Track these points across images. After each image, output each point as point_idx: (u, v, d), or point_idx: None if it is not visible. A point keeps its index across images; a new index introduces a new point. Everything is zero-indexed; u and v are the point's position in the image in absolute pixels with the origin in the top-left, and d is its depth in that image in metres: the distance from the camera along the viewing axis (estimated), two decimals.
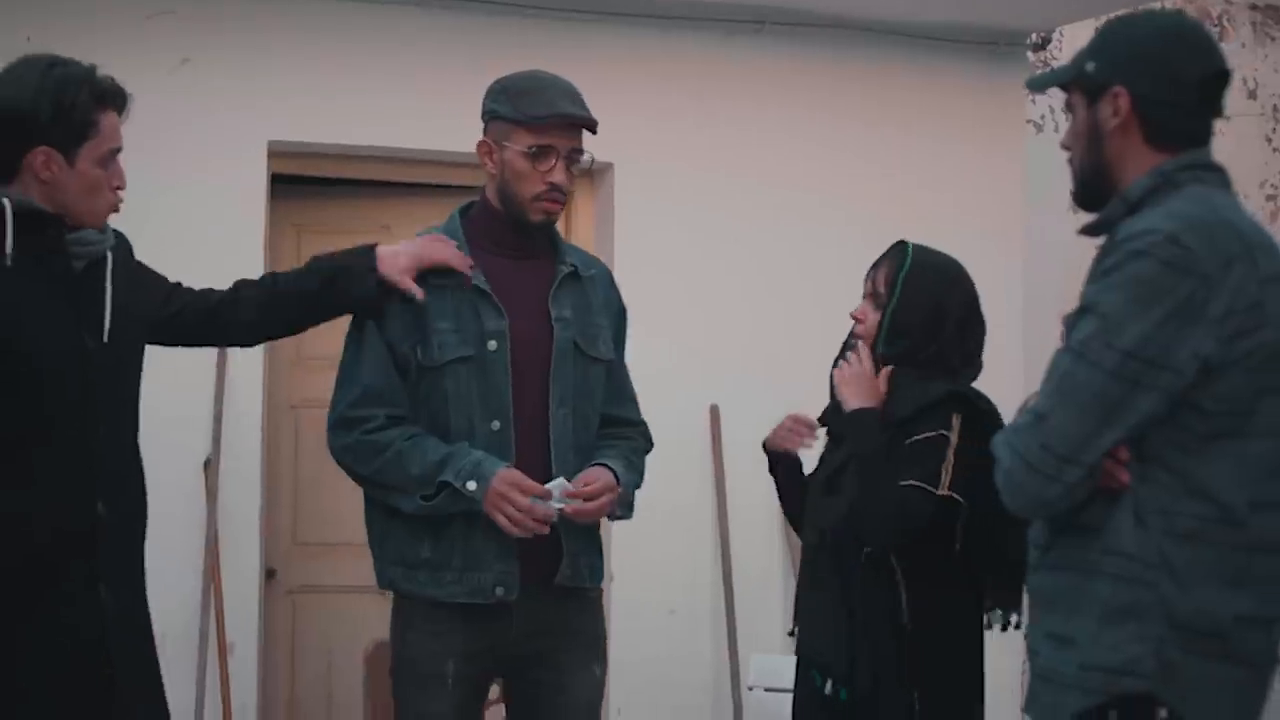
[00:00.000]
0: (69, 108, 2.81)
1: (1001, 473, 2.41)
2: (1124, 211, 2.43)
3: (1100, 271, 2.37)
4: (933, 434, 2.98)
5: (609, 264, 3.62)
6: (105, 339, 2.89)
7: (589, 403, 3.31)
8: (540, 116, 3.20)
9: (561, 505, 3.14)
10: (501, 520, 3.10)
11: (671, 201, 5.71)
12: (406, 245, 3.26)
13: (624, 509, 3.32)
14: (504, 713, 3.60)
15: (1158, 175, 2.43)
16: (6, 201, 2.79)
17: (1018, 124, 6.15)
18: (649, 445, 3.47)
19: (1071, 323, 2.40)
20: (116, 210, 2.95)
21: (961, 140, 6.02)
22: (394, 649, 3.31)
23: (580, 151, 3.26)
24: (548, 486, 3.13)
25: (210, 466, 5.17)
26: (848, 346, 3.27)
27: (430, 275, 3.23)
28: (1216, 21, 7.41)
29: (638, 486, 3.39)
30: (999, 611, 3.18)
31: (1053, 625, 2.43)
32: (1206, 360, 2.30)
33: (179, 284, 3.19)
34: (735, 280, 5.71)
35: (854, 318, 3.25)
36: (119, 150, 2.91)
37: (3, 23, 5.09)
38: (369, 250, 3.23)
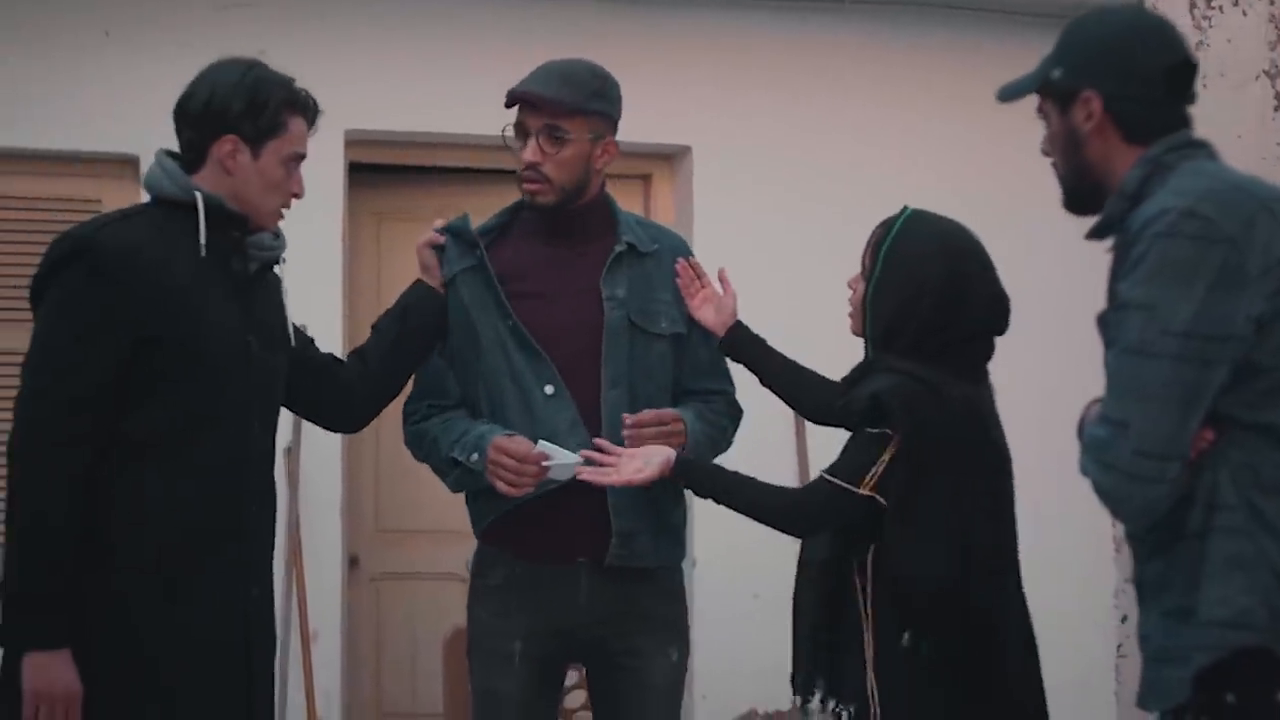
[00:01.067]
0: (262, 104, 2.90)
1: (1100, 493, 2.38)
2: (1127, 205, 2.43)
3: (1129, 265, 2.35)
4: (877, 431, 2.84)
5: (689, 247, 3.55)
6: (268, 342, 2.97)
7: (651, 381, 3.27)
8: (508, 100, 3.25)
9: (573, 462, 3.09)
10: (501, 486, 3.12)
11: (750, 184, 5.66)
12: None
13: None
14: (584, 698, 3.59)
15: (1148, 163, 2.44)
16: (199, 195, 2.87)
17: None
18: (732, 410, 3.41)
19: (1110, 322, 2.38)
20: (282, 216, 3.03)
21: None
22: (467, 629, 3.35)
23: (555, 128, 3.22)
24: (539, 450, 3.11)
25: (291, 454, 5.18)
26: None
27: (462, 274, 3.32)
28: None
29: (715, 445, 3.32)
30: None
31: (1168, 602, 2.38)
32: (1260, 319, 2.30)
33: (305, 329, 3.24)
34: (815, 262, 5.63)
35: (850, 286, 3.08)
36: (303, 157, 2.99)
37: (83, 17, 5.15)
38: (415, 282, 3.35)
